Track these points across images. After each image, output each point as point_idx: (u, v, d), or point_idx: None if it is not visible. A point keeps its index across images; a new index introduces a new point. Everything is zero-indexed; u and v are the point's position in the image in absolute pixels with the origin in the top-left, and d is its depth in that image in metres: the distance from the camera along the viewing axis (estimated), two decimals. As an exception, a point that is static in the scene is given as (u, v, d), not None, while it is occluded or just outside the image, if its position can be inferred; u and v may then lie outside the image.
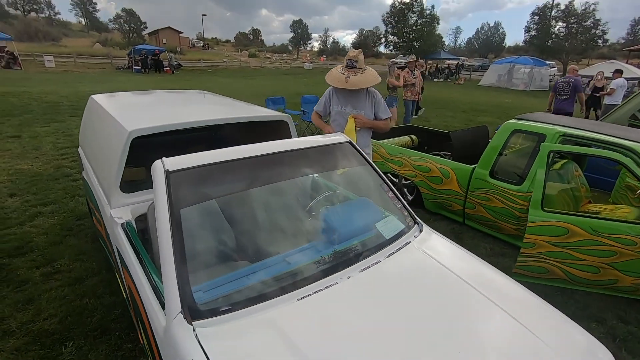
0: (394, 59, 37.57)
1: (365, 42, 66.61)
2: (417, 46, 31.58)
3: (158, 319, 1.38)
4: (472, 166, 3.58)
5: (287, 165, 1.98)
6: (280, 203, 2.15)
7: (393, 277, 1.63)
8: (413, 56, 8.62)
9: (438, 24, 32.15)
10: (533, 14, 33.06)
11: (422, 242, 1.91)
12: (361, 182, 2.29)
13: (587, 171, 4.00)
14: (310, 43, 68.69)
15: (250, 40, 79.91)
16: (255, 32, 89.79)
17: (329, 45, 75.79)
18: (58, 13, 54.33)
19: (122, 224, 2.02)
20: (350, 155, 2.22)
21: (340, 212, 2.05)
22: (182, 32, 59.12)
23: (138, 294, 1.62)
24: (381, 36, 35.67)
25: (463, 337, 1.31)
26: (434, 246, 1.90)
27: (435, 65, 34.31)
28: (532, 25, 32.99)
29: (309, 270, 1.57)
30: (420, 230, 2.03)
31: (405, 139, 5.20)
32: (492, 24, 58.97)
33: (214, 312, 1.30)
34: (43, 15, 51.78)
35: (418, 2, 31.63)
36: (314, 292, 1.44)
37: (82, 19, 56.01)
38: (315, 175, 2.40)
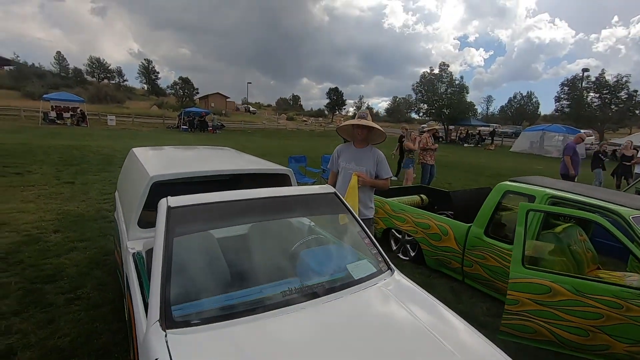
0: (424, 124, 38.65)
1: (398, 108, 69.51)
2: (446, 113, 32.60)
3: (142, 328, 1.65)
4: (469, 225, 3.70)
5: (275, 209, 2.32)
6: (264, 241, 2.45)
7: (349, 312, 1.81)
8: (432, 123, 9.08)
9: (467, 92, 33.30)
10: (562, 84, 33.61)
11: (388, 284, 2.08)
12: (342, 229, 2.54)
13: (604, 238, 3.94)
14: (344, 108, 72.70)
15: (289, 105, 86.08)
16: (295, 98, 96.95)
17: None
18: (126, 80, 62.59)
19: (134, 254, 2.38)
20: (334, 204, 2.51)
21: (318, 254, 2.29)
22: (229, 97, 65.31)
23: (133, 311, 1.91)
24: (413, 103, 37.19)
25: None
26: (399, 289, 2.06)
27: (465, 131, 34.84)
28: (562, 95, 33.32)
29: (274, 299, 1.80)
30: (391, 275, 2.20)
31: (415, 198, 5.41)
32: (524, 94, 59.86)
33: (186, 324, 1.55)
34: (114, 82, 59.79)
35: (447, 73, 33.32)
36: (273, 317, 1.66)
37: (145, 85, 63.90)
38: (303, 219, 2.70)
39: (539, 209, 2.91)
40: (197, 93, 61.09)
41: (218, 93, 63.75)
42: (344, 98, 71.92)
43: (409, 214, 4.32)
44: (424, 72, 34.73)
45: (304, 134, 31.71)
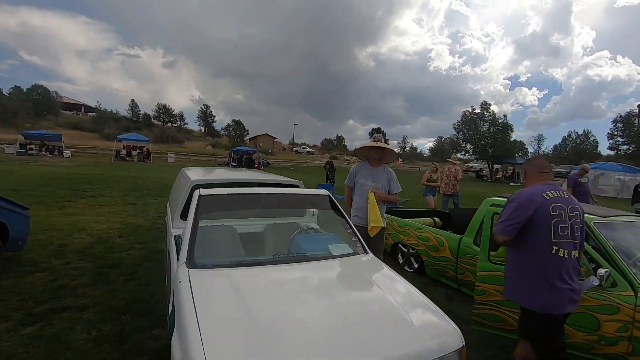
0: (468, 163, 37.77)
1: (443, 148, 68.73)
2: (490, 152, 31.95)
3: (175, 267, 2.39)
4: (460, 236, 4.10)
5: (281, 202, 3.07)
6: (273, 235, 3.16)
7: (319, 270, 2.44)
8: (454, 157, 9.57)
9: (512, 131, 32.59)
10: (615, 121, 31.80)
11: (359, 260, 2.66)
12: (331, 223, 3.19)
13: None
14: (387, 147, 73.34)
15: (334, 145, 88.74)
16: (340, 139, 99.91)
17: (407, 150, 79.77)
18: (186, 123, 69.36)
19: (175, 236, 3.19)
20: (327, 203, 3.19)
21: (308, 238, 2.95)
22: (276, 138, 69.20)
23: (170, 260, 2.68)
24: (457, 143, 37.06)
25: (351, 307, 2.03)
26: (366, 266, 2.62)
27: (512, 169, 33.64)
28: (615, 132, 31.40)
29: (266, 260, 2.49)
30: (365, 255, 2.77)
31: (428, 220, 5.83)
32: (580, 132, 56.70)
33: (202, 267, 2.27)
34: (176, 125, 66.60)
35: (489, 112, 33.10)
36: (261, 267, 2.35)
37: (202, 128, 70.27)
38: (310, 223, 3.41)
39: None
40: (248, 134, 65.70)
41: (266, 134, 68.05)
42: (387, 138, 72.79)
43: (412, 228, 4.79)
44: (465, 112, 34.82)
45: (344, 170, 32.68)
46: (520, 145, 34.63)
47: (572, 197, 2.37)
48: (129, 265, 4.42)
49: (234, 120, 65.37)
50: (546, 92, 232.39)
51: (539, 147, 64.99)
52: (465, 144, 34.85)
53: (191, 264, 2.27)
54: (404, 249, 4.98)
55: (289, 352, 1.57)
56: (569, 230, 2.17)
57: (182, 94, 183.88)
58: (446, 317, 2.02)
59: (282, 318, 1.85)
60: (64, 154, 26.03)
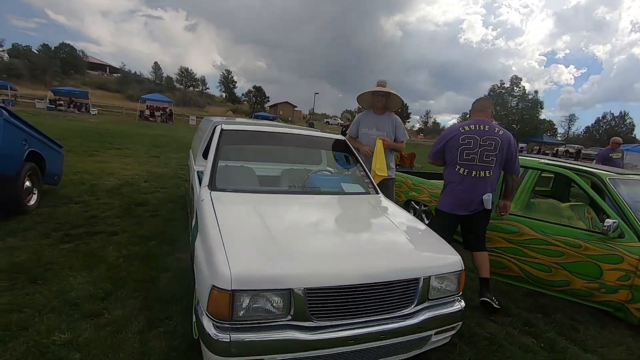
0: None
1: (466, 124, 66.67)
2: (515, 129, 30.86)
3: (198, 191, 2.58)
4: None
5: (299, 142, 3.19)
6: (289, 176, 3.30)
7: (330, 201, 2.58)
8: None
9: (542, 108, 31.19)
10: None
11: (369, 197, 2.79)
12: (345, 167, 3.31)
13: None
14: (408, 121, 71.64)
15: (354, 117, 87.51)
16: (360, 110, 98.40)
17: (429, 125, 77.89)
18: (208, 88, 69.53)
19: (197, 171, 3.38)
20: (344, 147, 3.28)
21: (322, 177, 3.08)
22: (296, 107, 68.68)
23: (193, 191, 2.88)
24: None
25: (359, 228, 2.19)
26: (376, 201, 2.74)
27: (538, 148, 32.56)
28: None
29: (281, 191, 2.64)
30: (376, 195, 2.88)
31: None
32: (616, 114, 53.57)
33: (222, 190, 2.44)
34: (197, 89, 66.90)
35: (520, 87, 31.65)
36: (276, 194, 2.51)
37: (223, 94, 70.35)
38: (327, 169, 3.52)
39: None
40: (268, 101, 65.44)
41: (287, 102, 67.58)
42: (409, 111, 71.07)
43: (426, 186, 4.86)
44: (493, 86, 33.42)
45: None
46: (549, 125, 33.25)
47: (498, 131, 2.80)
48: (153, 204, 4.71)
49: (254, 87, 65.05)
50: (584, 70, 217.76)
51: (569, 128, 62.13)
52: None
53: (213, 187, 2.44)
54: (416, 206, 5.07)
55: (301, 256, 1.73)
56: (475, 156, 2.75)
57: (203, 59, 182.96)
58: (448, 245, 2.14)
59: (295, 231, 2.02)
60: (90, 111, 26.82)
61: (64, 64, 50.39)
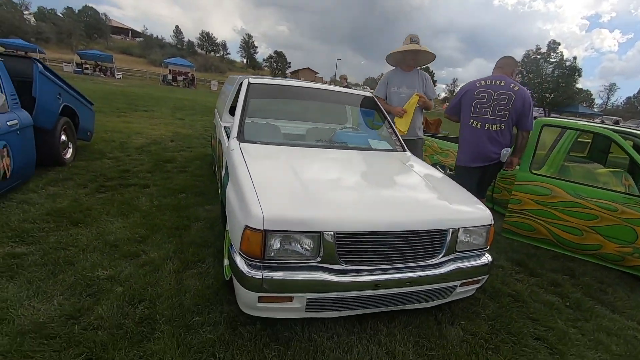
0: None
1: (495, 93, 63.77)
2: (549, 98, 29.19)
3: (226, 144, 2.61)
4: (503, 155, 4.01)
5: (326, 97, 3.14)
6: (315, 134, 3.27)
7: (357, 155, 2.56)
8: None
9: (579, 76, 29.14)
10: None
11: (397, 154, 2.75)
12: (372, 125, 3.24)
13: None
14: (435, 87, 68.94)
15: (376, 84, 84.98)
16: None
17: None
18: (229, 53, 68.74)
19: (224, 127, 3.41)
20: (372, 103, 3.21)
21: (349, 133, 3.05)
22: (318, 73, 67.13)
23: (220, 145, 2.92)
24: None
25: (388, 181, 2.18)
26: (402, 157, 2.70)
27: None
28: None
29: (309, 144, 2.63)
30: (403, 152, 2.84)
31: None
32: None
33: (250, 141, 2.45)
34: (219, 54, 66.24)
35: (557, 53, 29.52)
36: (302, 147, 2.50)
37: (244, 59, 69.41)
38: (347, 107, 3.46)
39: (554, 123, 3.17)
40: (289, 66, 64.25)
41: (308, 68, 66.11)
42: (435, 79, 68.25)
43: (452, 149, 4.73)
44: (528, 51, 31.30)
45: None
46: (586, 95, 31.20)
47: (513, 87, 2.77)
48: (181, 162, 4.84)
49: (275, 52, 63.91)
50: (631, 36, 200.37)
51: (608, 98, 58.20)
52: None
53: (241, 139, 2.46)
54: (442, 170, 4.97)
55: (331, 202, 1.75)
56: (488, 109, 2.81)
57: (224, 23, 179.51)
58: (477, 199, 2.10)
59: (324, 180, 2.03)
60: (115, 75, 27.18)
61: (88, 28, 50.70)
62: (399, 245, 1.74)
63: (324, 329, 1.83)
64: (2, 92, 2.83)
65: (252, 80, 2.90)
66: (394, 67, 3.49)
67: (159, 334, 1.66)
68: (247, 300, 1.62)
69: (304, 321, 1.84)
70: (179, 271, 2.19)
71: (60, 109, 3.86)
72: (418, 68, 3.43)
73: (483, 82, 2.88)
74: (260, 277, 1.55)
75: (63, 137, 3.97)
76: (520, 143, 2.94)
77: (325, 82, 65.51)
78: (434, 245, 1.83)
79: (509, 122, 2.81)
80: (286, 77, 54.81)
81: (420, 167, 2.50)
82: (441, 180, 2.32)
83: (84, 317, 1.71)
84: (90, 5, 57.03)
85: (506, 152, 2.82)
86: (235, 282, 1.67)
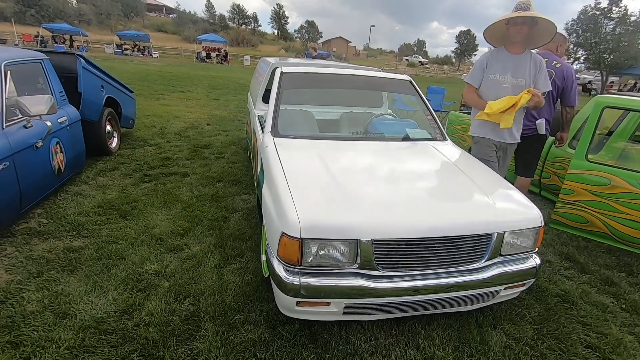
0: (577, 75, 31.98)
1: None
2: (608, 59, 26.28)
3: (261, 137, 2.60)
4: (553, 137, 3.69)
5: (361, 84, 3.00)
6: (349, 121, 3.17)
7: (396, 148, 2.46)
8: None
9: (646, 32, 25.82)
10: None
11: (437, 144, 2.60)
12: (415, 114, 3.09)
13: None
14: (475, 54, 64.38)
15: (413, 52, 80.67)
16: (420, 44, 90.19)
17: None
18: (260, 25, 67.69)
19: (258, 115, 3.40)
20: (408, 89, 3.04)
21: (385, 121, 2.92)
22: (350, 42, 64.93)
23: (255, 135, 2.92)
24: (568, 48, 30.77)
25: (428, 180, 2.08)
26: (443, 148, 2.56)
27: (634, 82, 27.86)
28: None
29: (344, 137, 2.55)
30: (444, 141, 2.69)
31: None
32: None
33: (284, 136, 2.42)
34: (250, 27, 65.58)
35: (620, 8, 26.19)
36: (338, 140, 2.44)
37: (275, 31, 68.32)
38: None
39: (617, 105, 2.83)
40: (321, 37, 62.52)
41: (340, 37, 64.04)
42: (477, 43, 63.62)
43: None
44: (585, 7, 27.97)
45: (420, 80, 30.16)
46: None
47: (555, 64, 2.83)
48: (218, 147, 4.94)
49: (307, 22, 62.08)
50: None
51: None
52: (577, 49, 28.81)
53: (275, 133, 2.44)
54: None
55: (368, 206, 1.70)
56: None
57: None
58: (526, 198, 1.96)
59: (360, 179, 1.97)
60: (152, 54, 27.87)
61: (124, 7, 51.81)
62: (439, 250, 1.68)
63: (362, 330, 1.84)
64: (51, 94, 2.97)
65: (285, 70, 2.83)
66: (494, 47, 2.63)
67: (204, 331, 1.75)
68: (286, 303, 1.65)
69: (342, 323, 1.86)
70: (220, 266, 2.27)
71: (104, 100, 4.01)
72: (530, 51, 2.53)
73: None
74: (298, 283, 1.56)
75: (108, 128, 4.15)
76: (566, 118, 2.97)
77: (357, 52, 62.44)
78: (477, 249, 1.74)
79: (549, 98, 2.80)
80: (318, 47, 53.54)
81: (462, 159, 2.36)
82: (486, 175, 2.18)
83: (136, 312, 1.84)
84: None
85: (540, 122, 2.78)
86: (273, 284, 1.70)
